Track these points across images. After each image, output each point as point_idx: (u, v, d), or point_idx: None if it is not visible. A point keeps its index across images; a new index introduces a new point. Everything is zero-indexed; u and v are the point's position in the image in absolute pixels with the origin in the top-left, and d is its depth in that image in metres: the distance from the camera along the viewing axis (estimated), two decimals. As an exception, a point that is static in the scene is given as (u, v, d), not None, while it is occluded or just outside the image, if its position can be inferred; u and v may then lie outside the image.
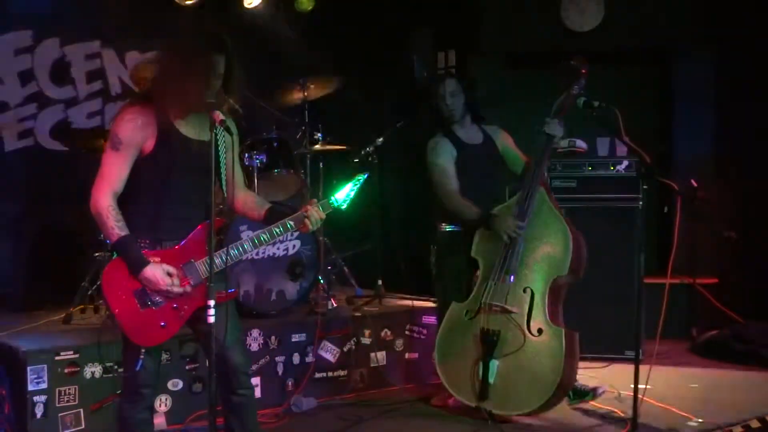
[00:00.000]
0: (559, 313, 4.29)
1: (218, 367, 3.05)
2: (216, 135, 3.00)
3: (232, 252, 3.07)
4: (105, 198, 2.95)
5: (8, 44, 5.76)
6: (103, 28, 6.06)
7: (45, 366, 3.98)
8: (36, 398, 3.96)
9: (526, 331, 4.18)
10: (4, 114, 5.77)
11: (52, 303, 5.16)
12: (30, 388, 3.95)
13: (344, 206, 3.24)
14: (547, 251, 4.27)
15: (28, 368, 3.95)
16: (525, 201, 4.27)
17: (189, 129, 3.09)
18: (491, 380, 4.20)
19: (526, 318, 4.20)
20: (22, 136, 5.83)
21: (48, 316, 4.89)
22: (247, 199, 3.34)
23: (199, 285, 3.05)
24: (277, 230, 3.15)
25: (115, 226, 2.94)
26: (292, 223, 3.14)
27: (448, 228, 4.60)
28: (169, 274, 3.00)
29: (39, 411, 3.96)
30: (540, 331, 4.18)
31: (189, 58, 2.99)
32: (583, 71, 4.29)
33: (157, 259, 3.01)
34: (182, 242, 3.07)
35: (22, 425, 3.99)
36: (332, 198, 3.24)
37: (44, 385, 3.97)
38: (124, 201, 3.01)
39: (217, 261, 3.03)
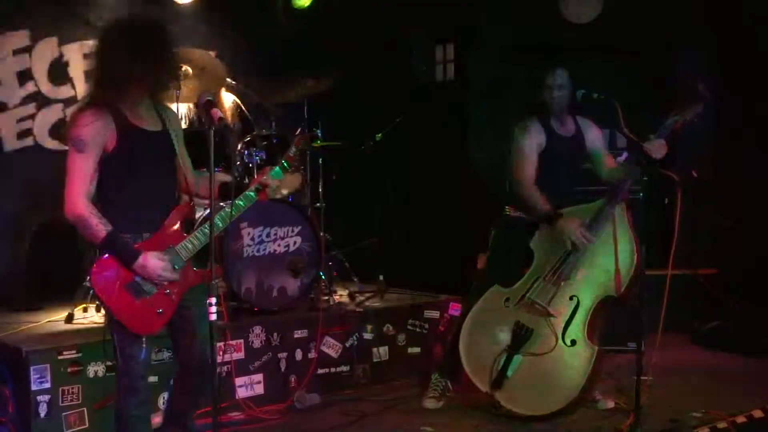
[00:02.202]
0: (596, 331, 4.20)
1: (184, 359, 3.29)
2: (166, 123, 3.18)
3: (206, 231, 3.15)
4: (81, 201, 3.01)
5: (6, 44, 5.75)
6: (101, 27, 6.03)
7: (48, 365, 3.98)
8: (39, 398, 3.96)
9: (560, 338, 4.13)
10: (2, 114, 5.76)
11: (53, 302, 5.17)
12: (33, 387, 3.95)
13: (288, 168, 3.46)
14: (609, 268, 4.14)
15: (31, 368, 3.95)
16: (599, 213, 4.16)
17: (142, 121, 3.14)
18: (509, 374, 4.18)
19: (563, 325, 4.15)
20: (22, 136, 5.82)
21: (50, 315, 4.89)
22: (200, 181, 3.40)
23: (182, 268, 3.15)
24: (241, 202, 3.26)
25: (99, 224, 3.00)
26: (252, 193, 3.28)
27: (514, 213, 4.46)
28: (161, 260, 3.08)
29: (42, 410, 3.96)
30: (574, 342, 4.12)
31: (151, 51, 3.03)
32: (705, 99, 4.17)
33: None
34: (158, 230, 3.14)
35: (26, 425, 4.00)
36: (284, 163, 3.46)
37: (47, 385, 3.98)
38: (96, 201, 3.07)
39: (195, 243, 3.15)
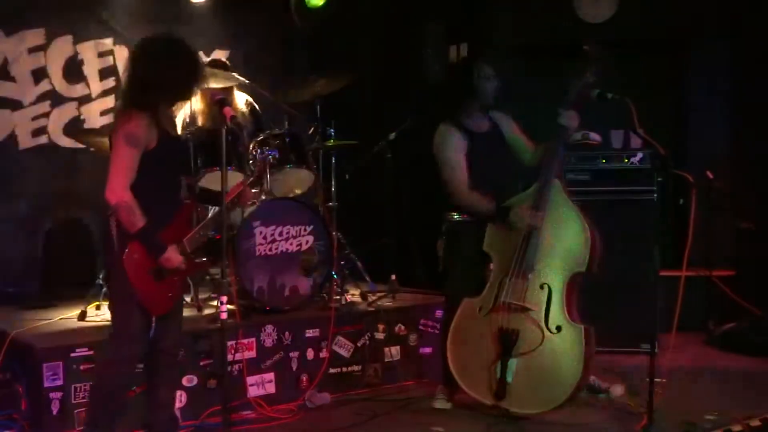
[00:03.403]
0: (574, 308, 4.23)
1: (159, 341, 3.58)
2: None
3: (206, 228, 3.57)
4: (126, 190, 3.33)
5: (21, 42, 5.79)
6: (115, 26, 6.08)
7: (60, 363, 4.00)
8: (52, 395, 3.98)
9: (545, 329, 4.12)
10: (17, 112, 5.81)
11: (66, 300, 5.19)
12: (46, 384, 3.97)
13: None
14: (565, 246, 4.18)
15: (44, 365, 3.97)
16: (540, 192, 4.17)
17: (168, 126, 3.54)
18: (509, 379, 4.15)
19: (543, 315, 4.14)
20: (36, 134, 5.87)
21: (63, 312, 4.91)
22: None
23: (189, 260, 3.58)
24: (230, 206, 3.69)
25: (139, 215, 3.33)
26: (237, 199, 3.70)
27: (457, 217, 4.46)
28: (180, 253, 3.48)
29: (55, 407, 3.97)
30: (558, 328, 4.12)
31: (189, 77, 3.47)
32: (597, 57, 4.18)
33: None
34: (170, 225, 3.50)
35: (39, 422, 4.02)
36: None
37: (60, 382, 3.99)
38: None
39: (198, 237, 3.54)
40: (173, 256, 3.44)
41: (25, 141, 5.84)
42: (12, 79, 5.80)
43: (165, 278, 3.48)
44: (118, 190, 3.32)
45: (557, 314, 4.14)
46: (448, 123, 4.41)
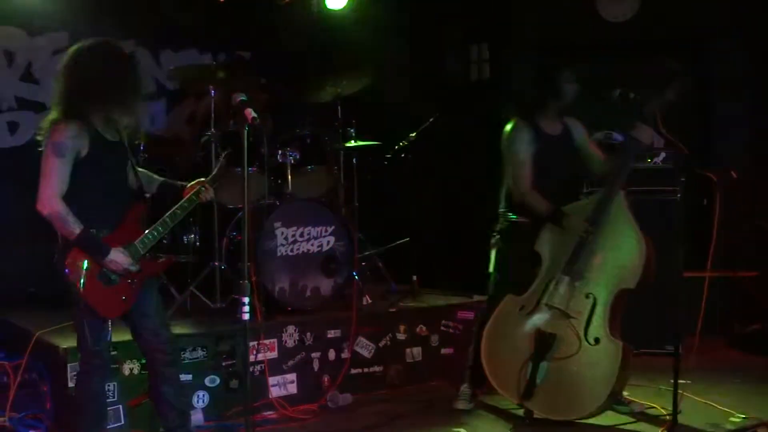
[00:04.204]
0: (618, 324, 4.14)
1: (150, 342, 3.62)
2: (122, 133, 3.55)
3: (159, 228, 3.56)
4: (56, 200, 3.34)
5: (45, 45, 5.85)
6: (137, 28, 6.12)
7: (84, 363, 4.03)
8: (77, 394, 4.01)
9: (583, 339, 4.08)
10: (41, 114, 5.83)
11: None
12: (70, 384, 3.99)
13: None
14: (618, 261, 4.11)
15: (68, 365, 4.01)
16: (600, 204, 4.12)
17: (105, 132, 3.50)
18: (539, 382, 4.12)
19: (584, 325, 4.09)
20: (60, 136, 5.90)
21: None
22: (150, 183, 3.82)
23: (143, 260, 3.53)
24: (186, 204, 3.66)
25: (73, 222, 3.34)
26: (194, 197, 3.68)
27: (513, 217, 4.43)
28: (126, 255, 3.44)
29: (79, 407, 4.01)
30: (597, 340, 4.06)
31: (123, 82, 3.47)
32: (680, 75, 4.10)
33: None
34: (117, 227, 3.49)
35: (63, 421, 4.05)
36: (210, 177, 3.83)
37: (83, 383, 4.01)
38: (67, 200, 3.37)
39: (151, 238, 3.52)
40: (118, 258, 3.40)
41: (49, 143, 5.88)
42: (36, 82, 5.86)
43: (117, 282, 3.44)
44: (47, 200, 3.33)
45: (598, 326, 4.08)
46: (522, 120, 4.38)
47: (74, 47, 3.49)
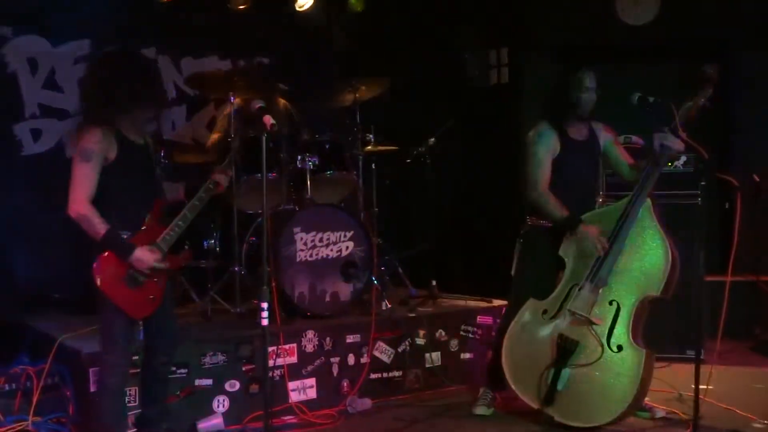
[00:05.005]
0: (640, 331, 4.12)
1: (155, 337, 3.74)
2: (146, 137, 3.71)
3: (180, 223, 3.67)
4: (85, 203, 3.47)
5: (67, 53, 5.91)
6: (158, 35, 6.18)
7: (106, 367, 4.06)
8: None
9: (605, 346, 4.05)
10: (64, 121, 5.92)
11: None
12: (92, 389, 4.03)
13: None
14: (644, 268, 4.08)
15: (90, 370, 4.04)
16: (628, 211, 4.09)
17: (131, 136, 3.62)
18: (560, 388, 4.11)
19: (607, 332, 4.06)
20: (83, 142, 5.96)
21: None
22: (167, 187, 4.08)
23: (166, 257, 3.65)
24: (203, 194, 3.77)
25: (100, 223, 3.47)
26: (211, 185, 3.79)
27: (538, 222, 4.36)
28: (152, 252, 3.56)
29: (101, 412, 4.04)
30: (620, 348, 4.04)
31: (146, 88, 3.59)
32: (714, 81, 4.08)
33: None
34: (141, 228, 3.60)
35: (86, 426, 4.08)
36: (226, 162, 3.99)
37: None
38: (95, 203, 3.51)
39: (172, 235, 3.63)
40: (144, 255, 3.52)
41: (73, 150, 5.90)
42: (59, 89, 5.92)
43: (142, 283, 3.55)
44: (76, 203, 3.47)
45: (621, 334, 4.05)
46: (548, 122, 4.37)
47: (98, 55, 3.61)
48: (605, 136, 4.46)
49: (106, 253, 3.49)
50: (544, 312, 4.24)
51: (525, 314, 4.30)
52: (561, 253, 4.26)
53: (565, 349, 4.12)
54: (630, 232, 4.10)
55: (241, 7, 6.32)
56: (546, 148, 4.30)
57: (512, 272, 4.50)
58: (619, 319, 4.07)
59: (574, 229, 4.16)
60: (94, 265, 3.49)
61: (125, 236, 3.54)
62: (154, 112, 3.68)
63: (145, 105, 3.61)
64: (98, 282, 3.48)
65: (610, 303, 4.09)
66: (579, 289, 4.14)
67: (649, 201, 4.15)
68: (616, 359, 4.04)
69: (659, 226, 4.12)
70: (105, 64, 3.61)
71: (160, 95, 3.71)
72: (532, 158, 4.32)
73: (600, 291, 4.10)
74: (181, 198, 4.00)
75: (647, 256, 4.10)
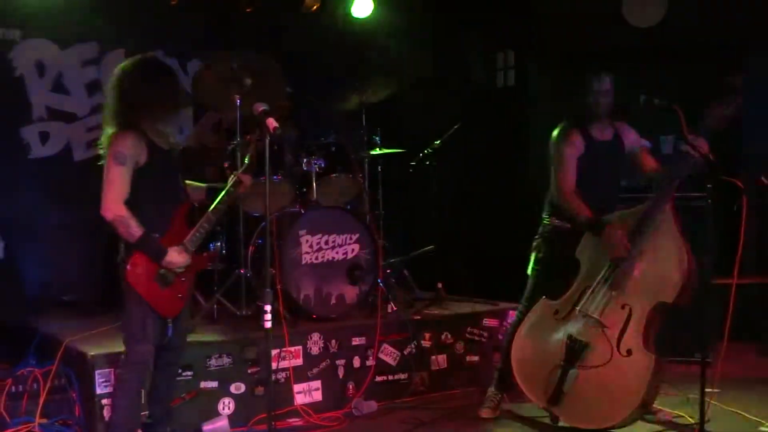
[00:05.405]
0: (651, 337, 4.09)
1: (170, 339, 3.80)
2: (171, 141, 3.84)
3: (205, 225, 3.80)
4: (120, 204, 3.58)
5: (75, 56, 5.94)
6: (166, 39, 6.20)
7: (111, 370, 4.09)
8: (104, 401, 4.07)
9: (615, 349, 4.03)
10: (72, 124, 5.96)
11: (119, 308, 5.28)
12: (98, 391, 4.07)
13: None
14: (659, 273, 4.03)
15: (96, 372, 4.08)
16: (645, 216, 4.06)
17: (159, 141, 3.76)
18: (566, 388, 4.10)
19: (618, 335, 4.04)
20: (90, 145, 6.00)
21: (116, 321, 4.98)
22: (191, 190, 4.07)
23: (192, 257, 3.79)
24: (225, 197, 3.88)
25: (135, 226, 3.58)
26: (232, 189, 3.90)
27: (557, 222, 4.38)
28: (181, 254, 3.69)
29: (107, 413, 4.04)
30: (629, 352, 4.01)
31: (170, 93, 3.76)
32: (738, 90, 4.09)
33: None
34: (169, 230, 3.73)
35: (92, 428, 4.11)
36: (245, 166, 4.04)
37: (111, 389, 4.06)
38: (127, 206, 3.61)
39: (198, 236, 3.77)
40: (174, 257, 3.66)
41: (80, 152, 5.99)
42: (66, 92, 5.95)
43: (171, 283, 3.69)
44: (111, 205, 3.57)
45: (632, 338, 4.02)
46: (571, 123, 4.36)
47: (122, 65, 3.76)
48: (630, 138, 4.43)
49: (138, 254, 3.60)
50: (556, 312, 4.23)
51: (537, 313, 4.30)
52: (578, 255, 4.25)
53: (574, 350, 4.11)
54: (648, 236, 4.07)
55: (248, 10, 6.35)
56: (569, 148, 4.29)
57: (528, 271, 4.50)
58: (631, 324, 4.04)
59: (600, 231, 4.13)
60: (128, 265, 3.60)
61: (160, 235, 3.65)
62: (175, 118, 3.91)
63: (168, 112, 3.78)
64: (131, 281, 3.60)
65: (623, 307, 4.06)
66: (592, 291, 4.13)
67: (669, 206, 4.11)
68: (624, 363, 4.01)
69: (678, 232, 4.08)
70: (130, 74, 3.72)
71: (184, 100, 3.91)
72: (556, 158, 4.32)
73: (613, 294, 4.08)
74: (203, 199, 4.04)
75: (663, 263, 4.05)
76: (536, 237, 4.49)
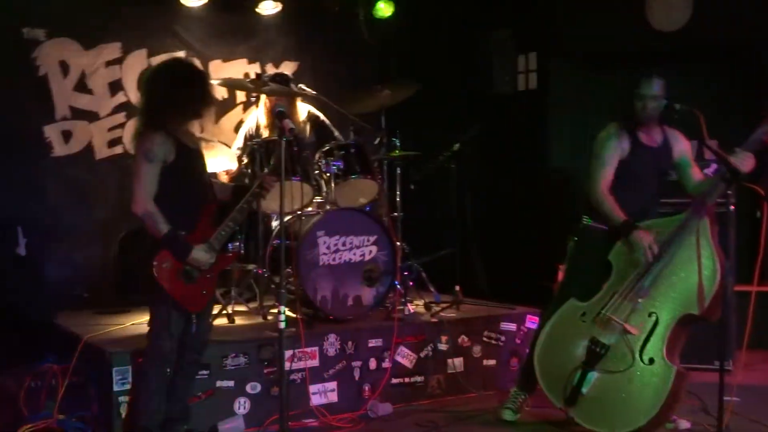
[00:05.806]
0: (676, 350, 4.07)
1: (190, 337, 3.86)
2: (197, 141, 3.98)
3: (230, 224, 3.89)
4: (149, 201, 3.70)
5: (98, 56, 6.00)
6: (188, 39, 6.25)
7: (129, 367, 4.12)
8: (121, 398, 4.10)
9: (637, 356, 4.01)
10: (94, 123, 6.01)
11: (140, 306, 5.31)
12: (115, 388, 4.10)
13: None
14: (689, 285, 4.00)
15: (114, 369, 4.11)
16: (681, 226, 4.03)
17: (186, 140, 3.86)
18: (584, 390, 4.08)
19: (641, 343, 4.01)
20: (112, 144, 6.06)
21: (135, 318, 5.03)
22: (218, 188, 4.19)
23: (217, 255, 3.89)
24: (251, 197, 3.96)
25: (162, 222, 3.69)
26: (258, 189, 3.98)
27: (593, 223, 4.33)
28: (206, 252, 3.79)
29: (124, 411, 4.09)
30: (651, 361, 3.99)
31: (198, 96, 3.84)
32: None
33: None
34: (195, 227, 3.82)
35: (109, 425, 4.14)
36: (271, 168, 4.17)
37: (129, 386, 4.11)
38: (155, 203, 3.73)
39: (223, 234, 3.85)
40: (199, 255, 3.76)
41: (102, 151, 6.04)
42: (89, 92, 6.01)
43: (196, 279, 3.78)
44: (141, 201, 3.69)
45: (655, 347, 3.99)
46: (620, 125, 4.31)
47: (153, 66, 3.95)
48: (680, 146, 4.35)
49: (164, 251, 3.69)
50: (583, 314, 4.21)
51: (563, 313, 4.28)
52: (611, 257, 4.21)
53: (595, 353, 4.09)
54: (682, 245, 4.03)
55: (267, 12, 6.37)
56: (611, 149, 4.24)
57: (563, 270, 4.49)
58: (656, 332, 4.01)
59: (629, 234, 4.10)
60: (154, 261, 3.69)
61: (186, 232, 3.74)
62: (203, 119, 3.92)
63: (196, 113, 3.85)
64: (157, 277, 3.69)
65: (649, 315, 4.03)
66: (619, 296, 4.09)
67: (705, 220, 4.06)
68: (645, 371, 3.99)
69: (713, 244, 4.03)
70: (161, 75, 3.88)
71: (208, 103, 3.93)
72: (596, 158, 4.28)
73: (640, 301, 4.05)
74: (228, 199, 4.13)
75: (695, 275, 4.00)
76: (573, 236, 4.48)
